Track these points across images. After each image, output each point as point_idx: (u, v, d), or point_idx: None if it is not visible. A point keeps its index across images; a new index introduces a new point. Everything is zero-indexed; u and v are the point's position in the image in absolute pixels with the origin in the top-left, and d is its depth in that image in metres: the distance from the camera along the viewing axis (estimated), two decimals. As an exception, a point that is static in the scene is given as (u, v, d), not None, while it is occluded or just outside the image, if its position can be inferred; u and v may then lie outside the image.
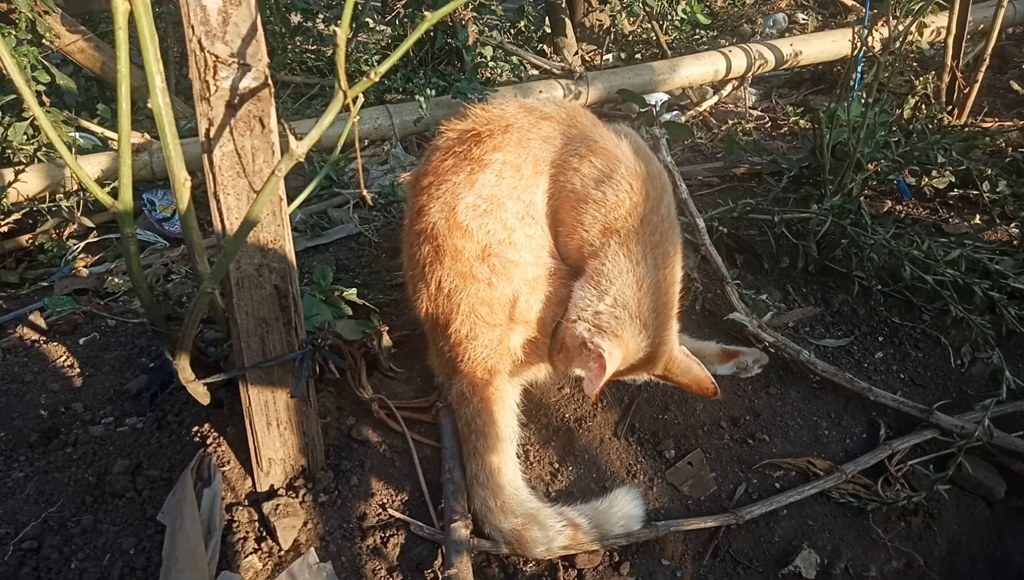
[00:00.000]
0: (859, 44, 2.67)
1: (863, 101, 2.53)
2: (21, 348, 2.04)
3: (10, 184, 2.66)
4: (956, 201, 2.66)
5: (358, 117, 1.18)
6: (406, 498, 1.67)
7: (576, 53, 4.57)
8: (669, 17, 5.11)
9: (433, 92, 3.47)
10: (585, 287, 1.66)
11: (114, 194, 1.34)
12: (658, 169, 1.79)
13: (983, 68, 3.03)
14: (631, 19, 4.94)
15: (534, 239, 1.72)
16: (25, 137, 2.79)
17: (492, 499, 1.59)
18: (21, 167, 2.70)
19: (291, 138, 1.17)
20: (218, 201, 1.33)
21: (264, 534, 1.58)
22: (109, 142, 3.01)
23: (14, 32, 2.86)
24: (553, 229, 1.76)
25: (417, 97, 3.31)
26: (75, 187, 2.76)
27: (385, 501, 1.66)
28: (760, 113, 3.84)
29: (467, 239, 1.68)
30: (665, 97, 3.83)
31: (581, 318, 1.63)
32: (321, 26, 4.38)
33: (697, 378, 1.69)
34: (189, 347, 1.45)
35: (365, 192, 1.28)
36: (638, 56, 4.70)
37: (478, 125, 1.75)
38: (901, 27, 2.62)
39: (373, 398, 1.79)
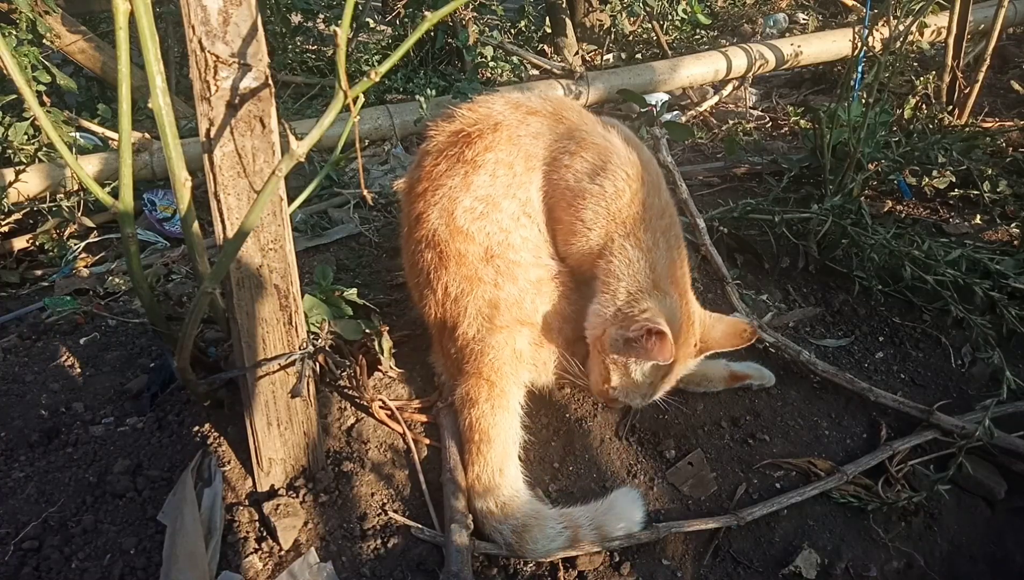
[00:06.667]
0: (860, 44, 2.67)
1: (864, 101, 2.53)
2: (21, 348, 2.04)
3: (11, 184, 2.66)
4: (957, 201, 2.66)
5: (358, 117, 1.18)
6: (406, 498, 1.67)
7: (576, 53, 4.57)
8: (669, 17, 5.12)
9: (433, 92, 3.47)
10: (599, 299, 1.66)
11: (114, 194, 1.34)
12: (648, 156, 1.79)
13: (983, 68, 3.03)
14: (631, 19, 4.94)
15: (530, 241, 1.72)
16: (26, 137, 2.79)
17: (493, 501, 1.59)
18: (22, 167, 2.71)
19: (292, 138, 1.17)
20: (218, 201, 1.33)
21: (264, 534, 1.58)
22: (109, 142, 3.02)
23: (15, 32, 2.86)
24: (551, 228, 1.75)
25: (417, 97, 3.31)
26: (76, 187, 2.77)
27: (385, 501, 1.65)
28: (760, 113, 3.84)
29: (469, 242, 1.68)
30: (666, 97, 3.83)
31: (607, 329, 1.63)
32: (321, 26, 4.39)
33: (729, 328, 1.68)
34: (189, 347, 1.45)
35: (366, 192, 1.28)
36: (638, 56, 4.70)
37: (467, 125, 1.74)
38: (902, 27, 2.62)
39: (373, 398, 1.79)
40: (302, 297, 1.53)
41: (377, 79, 1.15)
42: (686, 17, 5.11)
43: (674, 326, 1.59)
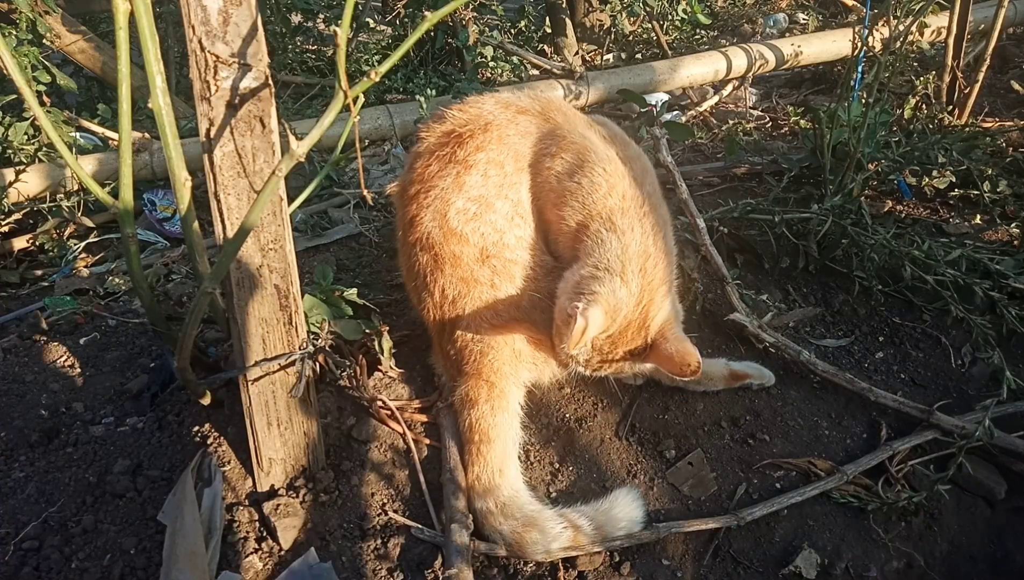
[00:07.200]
0: (860, 44, 2.67)
1: (863, 101, 2.52)
2: (21, 348, 2.04)
3: (11, 184, 2.66)
4: (957, 201, 2.66)
5: (358, 117, 1.18)
6: (406, 498, 1.67)
7: (576, 53, 4.57)
8: (670, 17, 5.12)
9: (433, 92, 3.48)
10: (574, 266, 1.67)
11: (114, 194, 1.34)
12: (636, 152, 1.80)
13: (984, 68, 3.03)
14: (631, 19, 4.94)
15: (524, 239, 1.73)
16: (26, 137, 2.79)
17: (493, 501, 1.59)
18: (22, 167, 2.71)
19: (292, 138, 1.17)
20: (218, 201, 1.33)
21: (264, 534, 1.58)
22: (109, 142, 3.02)
23: (15, 32, 2.87)
24: (541, 229, 1.76)
25: (418, 97, 3.31)
26: (76, 187, 2.77)
27: (385, 501, 1.66)
28: (760, 113, 3.84)
29: (463, 244, 1.68)
30: (666, 97, 3.83)
31: (563, 294, 1.63)
32: (321, 26, 4.39)
33: (679, 355, 1.61)
34: (189, 347, 1.45)
35: (366, 192, 1.28)
36: (638, 56, 4.70)
37: (457, 126, 1.75)
38: (902, 27, 2.62)
39: (373, 398, 1.79)
40: (302, 297, 1.54)
41: (377, 79, 1.15)
42: (686, 17, 5.11)
43: (615, 312, 1.58)
